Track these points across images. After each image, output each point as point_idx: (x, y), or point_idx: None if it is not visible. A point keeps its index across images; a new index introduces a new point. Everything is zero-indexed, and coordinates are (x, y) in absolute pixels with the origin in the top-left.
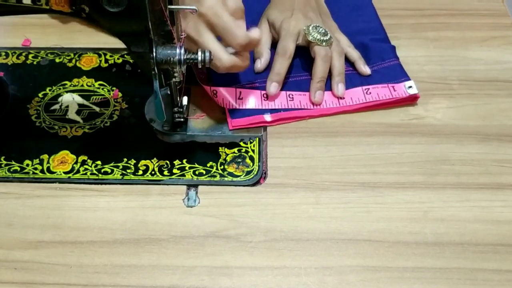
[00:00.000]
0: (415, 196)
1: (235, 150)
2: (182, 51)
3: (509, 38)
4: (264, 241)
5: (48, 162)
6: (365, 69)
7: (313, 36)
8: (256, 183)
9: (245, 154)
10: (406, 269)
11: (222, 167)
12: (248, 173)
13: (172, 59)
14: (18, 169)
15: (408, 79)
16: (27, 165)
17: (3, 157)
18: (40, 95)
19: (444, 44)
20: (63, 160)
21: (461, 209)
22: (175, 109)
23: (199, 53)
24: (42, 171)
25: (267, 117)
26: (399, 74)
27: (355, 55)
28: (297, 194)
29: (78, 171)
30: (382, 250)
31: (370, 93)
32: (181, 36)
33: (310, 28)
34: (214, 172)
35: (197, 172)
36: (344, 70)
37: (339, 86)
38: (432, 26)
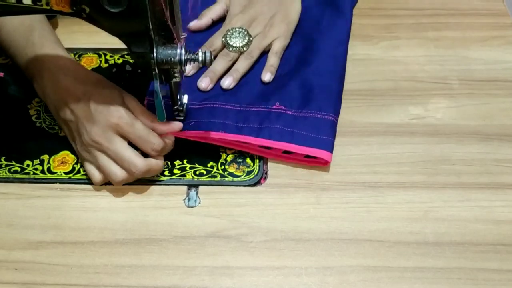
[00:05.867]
0: (416, 196)
1: (236, 150)
2: (183, 51)
3: (509, 38)
4: (265, 241)
5: (48, 163)
6: (264, 75)
7: (225, 38)
8: (257, 183)
9: (245, 154)
10: (407, 269)
11: (222, 167)
12: (249, 173)
13: (172, 59)
14: (19, 169)
15: (332, 139)
16: (28, 165)
17: (3, 158)
18: None
19: (445, 44)
20: (63, 161)
21: (462, 209)
22: (175, 107)
23: (200, 53)
24: (42, 172)
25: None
26: (324, 130)
27: (271, 61)
28: (297, 194)
29: (78, 172)
30: (383, 250)
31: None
32: (182, 36)
33: (230, 32)
34: (215, 172)
35: (197, 172)
36: (243, 70)
37: (227, 80)
38: (432, 26)
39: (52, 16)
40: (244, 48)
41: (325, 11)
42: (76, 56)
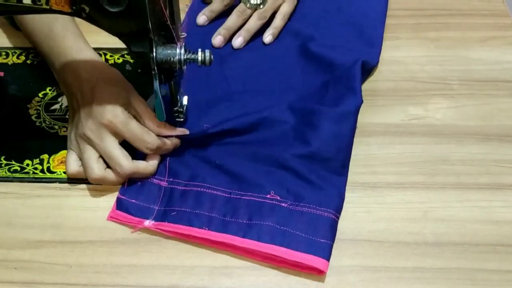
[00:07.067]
0: (415, 196)
1: None
2: (182, 51)
3: (510, 38)
4: None
5: (48, 162)
6: (266, 37)
7: None
8: None
9: None
10: (405, 269)
11: None
12: None
13: (172, 58)
14: (18, 168)
15: (330, 243)
16: (27, 165)
17: (3, 157)
18: (40, 95)
19: (445, 44)
20: (63, 160)
21: (461, 209)
22: (175, 108)
23: (199, 53)
24: (42, 171)
25: (148, 223)
26: (322, 231)
27: (276, 23)
28: None
29: None
30: (382, 250)
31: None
32: (182, 36)
33: None
34: None
35: None
36: (253, 30)
37: (238, 39)
38: (432, 26)
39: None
40: (261, 6)
41: (330, 81)
42: None
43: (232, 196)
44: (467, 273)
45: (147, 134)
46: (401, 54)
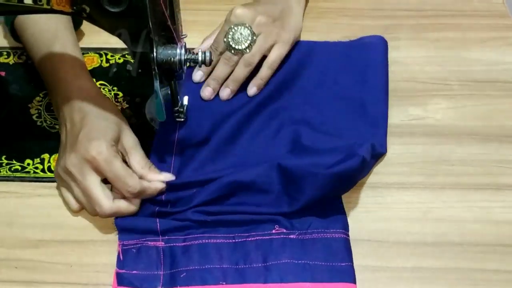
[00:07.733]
0: (415, 196)
1: None
2: (183, 51)
3: (510, 39)
4: None
5: (49, 162)
6: (250, 89)
7: (227, 39)
8: None
9: None
10: (405, 269)
11: None
12: None
13: (172, 59)
14: (19, 168)
15: (351, 265)
16: (28, 164)
17: (4, 156)
18: (41, 94)
19: (445, 45)
20: None
21: (461, 209)
22: (176, 108)
23: (199, 53)
24: (43, 171)
25: None
26: (339, 254)
27: (262, 73)
28: None
29: None
30: (382, 250)
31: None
32: (182, 36)
33: (233, 30)
34: None
35: None
36: (241, 79)
37: (225, 91)
38: (432, 27)
39: (77, 25)
40: (247, 50)
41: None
42: None
43: (236, 240)
44: (467, 273)
45: (130, 177)
46: (401, 54)
